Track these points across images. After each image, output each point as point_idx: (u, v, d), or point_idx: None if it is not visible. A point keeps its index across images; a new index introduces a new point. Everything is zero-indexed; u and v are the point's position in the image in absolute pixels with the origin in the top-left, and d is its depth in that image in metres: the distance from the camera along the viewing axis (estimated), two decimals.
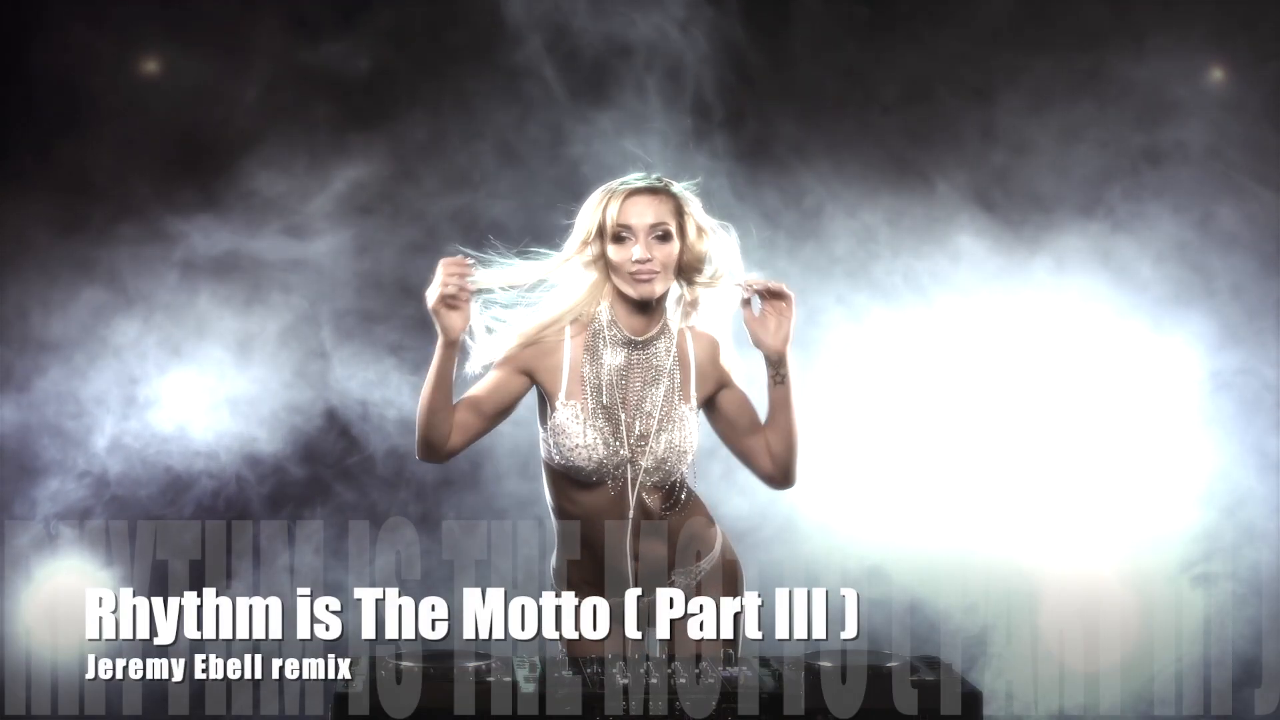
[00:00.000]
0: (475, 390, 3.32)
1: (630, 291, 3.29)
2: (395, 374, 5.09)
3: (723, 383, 3.40)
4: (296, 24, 5.06)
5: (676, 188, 3.33)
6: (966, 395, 5.09)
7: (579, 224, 3.32)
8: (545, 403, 3.35)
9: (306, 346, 5.10)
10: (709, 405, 3.42)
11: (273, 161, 5.03)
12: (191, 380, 5.04)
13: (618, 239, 3.28)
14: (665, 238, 3.28)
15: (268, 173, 5.03)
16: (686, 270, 3.33)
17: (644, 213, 3.27)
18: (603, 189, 3.32)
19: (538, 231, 3.44)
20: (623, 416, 3.31)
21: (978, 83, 5.12)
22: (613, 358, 3.33)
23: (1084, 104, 5.12)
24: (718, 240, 3.35)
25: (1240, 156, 5.09)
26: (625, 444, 3.31)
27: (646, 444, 3.32)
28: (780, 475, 3.42)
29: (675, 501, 3.38)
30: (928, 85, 5.14)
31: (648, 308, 3.33)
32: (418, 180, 5.09)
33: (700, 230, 3.32)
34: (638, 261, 3.26)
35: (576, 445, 3.30)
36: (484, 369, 3.33)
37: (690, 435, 3.34)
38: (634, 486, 3.31)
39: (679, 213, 3.30)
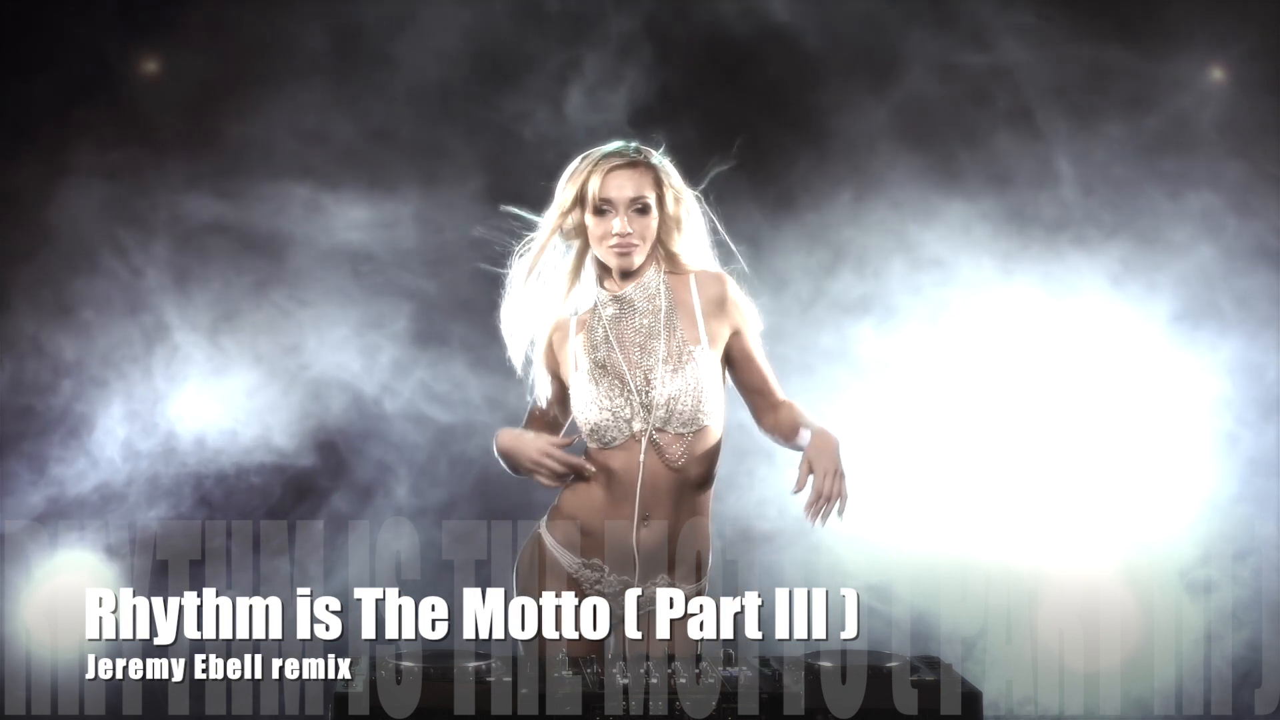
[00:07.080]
0: (539, 404, 3.46)
1: (611, 263, 3.36)
2: (400, 373, 5.10)
3: (735, 327, 3.41)
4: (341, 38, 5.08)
5: (655, 158, 3.38)
6: (974, 402, 5.10)
7: (558, 195, 3.38)
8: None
9: (312, 349, 5.10)
10: (726, 350, 3.42)
11: (293, 166, 5.03)
12: (198, 384, 5.05)
13: (598, 212, 3.34)
14: (644, 210, 3.34)
15: (287, 177, 5.03)
16: (664, 235, 3.38)
17: (624, 186, 3.33)
18: (581, 158, 3.38)
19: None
20: (625, 366, 3.34)
21: (1000, 101, 5.12)
22: (606, 315, 3.38)
23: (1100, 116, 5.11)
24: (693, 206, 3.41)
25: (1263, 163, 5.09)
26: (634, 391, 3.33)
27: (652, 389, 3.33)
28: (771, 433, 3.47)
29: (695, 453, 3.35)
30: (948, 104, 5.14)
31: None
32: (440, 186, 5.09)
33: (678, 198, 3.38)
34: (618, 234, 3.32)
35: (588, 403, 3.34)
36: (541, 396, 3.47)
37: (703, 376, 3.34)
38: (645, 434, 3.32)
39: (658, 184, 3.36)
